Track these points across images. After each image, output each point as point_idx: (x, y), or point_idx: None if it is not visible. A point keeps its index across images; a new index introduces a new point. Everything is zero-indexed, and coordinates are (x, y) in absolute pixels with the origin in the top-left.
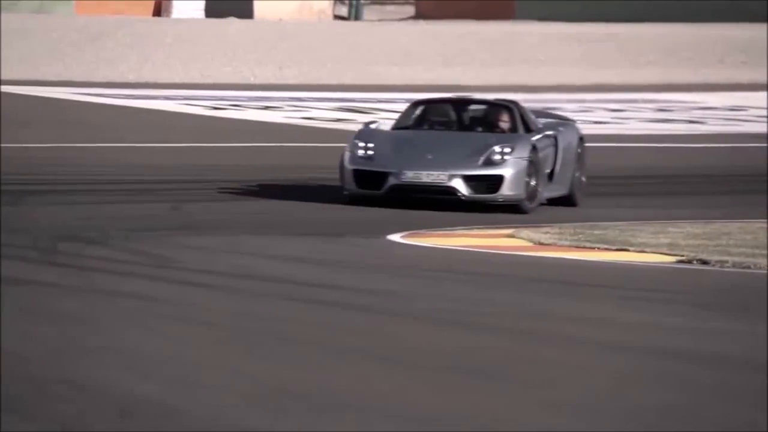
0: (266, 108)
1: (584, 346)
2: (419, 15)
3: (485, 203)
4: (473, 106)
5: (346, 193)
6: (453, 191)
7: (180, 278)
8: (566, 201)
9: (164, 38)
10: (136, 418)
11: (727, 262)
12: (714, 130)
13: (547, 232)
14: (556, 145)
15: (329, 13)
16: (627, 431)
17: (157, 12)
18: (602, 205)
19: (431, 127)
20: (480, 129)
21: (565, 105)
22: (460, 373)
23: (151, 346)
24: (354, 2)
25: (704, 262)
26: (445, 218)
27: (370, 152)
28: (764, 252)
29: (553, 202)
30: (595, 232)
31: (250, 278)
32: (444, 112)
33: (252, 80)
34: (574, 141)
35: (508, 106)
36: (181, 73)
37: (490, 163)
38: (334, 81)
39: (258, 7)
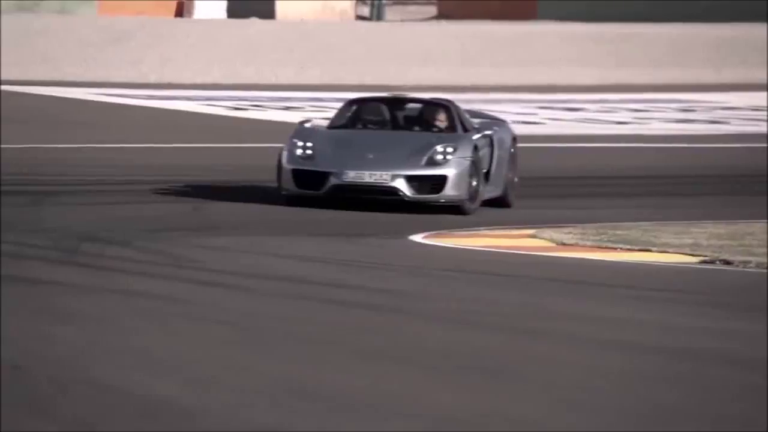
0: (287, 108)
1: (605, 346)
2: (441, 15)
3: (427, 204)
4: (409, 105)
5: (284, 193)
6: (395, 192)
7: (199, 278)
8: (499, 202)
9: (186, 39)
10: (154, 417)
11: (750, 262)
12: (737, 130)
13: (569, 233)
14: (492, 145)
15: (351, 13)
16: (641, 431)
17: (179, 12)
18: (624, 206)
19: (367, 127)
20: (417, 128)
21: (587, 105)
22: (476, 374)
23: (169, 346)
24: (376, 2)
25: (727, 263)
26: (468, 219)
27: (308, 151)
28: None
29: (485, 203)
30: (618, 232)
31: (269, 279)
32: (380, 111)
33: (274, 80)
34: (508, 141)
35: (445, 105)
36: (203, 74)
37: (432, 162)
38: (355, 81)
39: (280, 8)
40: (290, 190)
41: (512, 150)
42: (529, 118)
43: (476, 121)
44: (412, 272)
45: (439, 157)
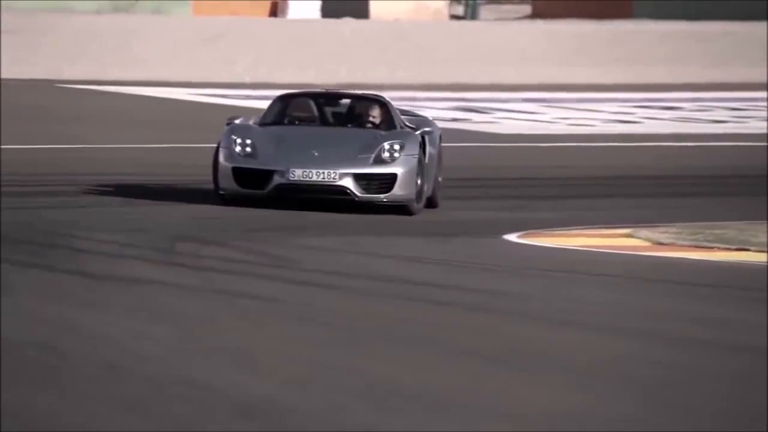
0: None
1: (706, 347)
2: (536, 14)
3: (373, 204)
4: (344, 101)
5: (221, 192)
6: (344, 191)
7: (296, 278)
8: (427, 202)
9: (280, 39)
10: (251, 417)
11: None
12: None
13: (665, 232)
14: (424, 144)
15: (445, 12)
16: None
17: (273, 12)
18: (717, 205)
19: (302, 123)
20: (353, 124)
21: (683, 104)
22: (575, 374)
23: (266, 345)
24: (470, 2)
25: None
26: (558, 218)
27: (248, 149)
28: None
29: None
30: (715, 231)
31: (367, 278)
32: (313, 107)
33: (365, 80)
34: (437, 139)
35: (381, 101)
36: (297, 74)
37: (380, 160)
38: (449, 81)
39: (374, 8)
40: (230, 189)
41: (439, 149)
42: (626, 117)
43: (404, 118)
44: (510, 272)
45: (387, 154)
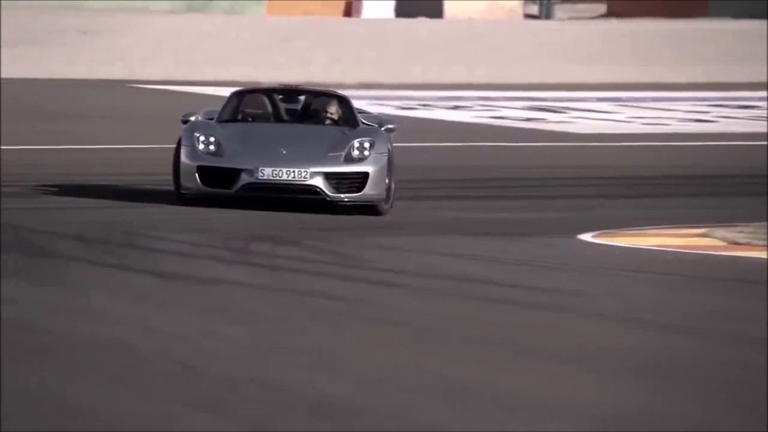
0: (456, 108)
1: None
2: (611, 13)
3: (343, 204)
4: (302, 96)
5: (184, 192)
6: (315, 191)
7: (370, 278)
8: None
9: (354, 38)
10: (326, 417)
11: None
12: None
13: (741, 231)
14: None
15: (520, 11)
16: None
17: (348, 12)
18: None
19: (263, 120)
20: (310, 121)
21: (759, 102)
22: (649, 375)
23: (340, 345)
24: (545, 1)
25: None
26: (635, 218)
27: (212, 147)
28: None
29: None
30: None
31: (440, 278)
32: (273, 103)
33: (441, 79)
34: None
35: (342, 97)
36: (371, 73)
37: (351, 159)
38: (524, 80)
39: (448, 7)
40: (193, 189)
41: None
42: (701, 116)
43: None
44: (585, 272)
45: (356, 152)
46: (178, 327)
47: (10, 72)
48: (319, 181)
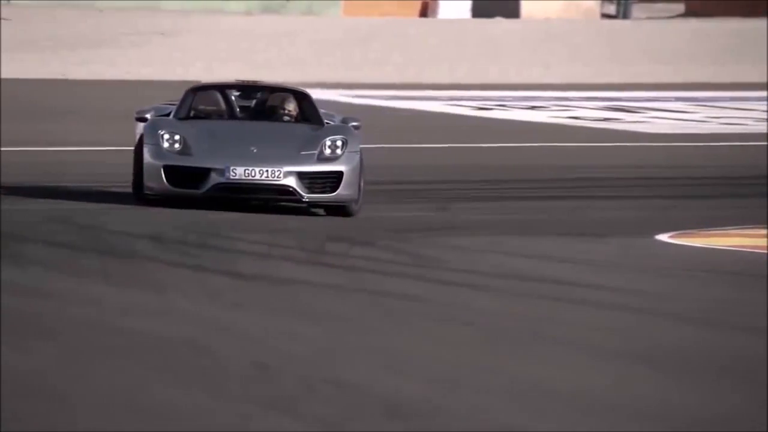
0: (532, 108)
1: None
2: (689, 13)
3: (315, 205)
4: (268, 92)
5: (147, 192)
6: (288, 191)
7: (444, 278)
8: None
9: (430, 39)
10: (399, 417)
11: None
12: None
13: None
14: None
15: (597, 11)
16: None
17: (424, 13)
18: None
19: (223, 116)
20: (272, 117)
21: None
22: (727, 377)
23: (415, 345)
24: (622, 0)
25: None
26: (713, 218)
27: (178, 145)
28: None
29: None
30: None
31: (514, 278)
32: (222, 99)
33: (518, 80)
34: None
35: (304, 93)
36: (447, 74)
37: (323, 157)
38: (601, 80)
39: (525, 7)
40: (158, 189)
41: None
42: None
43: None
44: (661, 272)
45: (328, 151)
46: (253, 327)
47: (85, 73)
48: (292, 181)
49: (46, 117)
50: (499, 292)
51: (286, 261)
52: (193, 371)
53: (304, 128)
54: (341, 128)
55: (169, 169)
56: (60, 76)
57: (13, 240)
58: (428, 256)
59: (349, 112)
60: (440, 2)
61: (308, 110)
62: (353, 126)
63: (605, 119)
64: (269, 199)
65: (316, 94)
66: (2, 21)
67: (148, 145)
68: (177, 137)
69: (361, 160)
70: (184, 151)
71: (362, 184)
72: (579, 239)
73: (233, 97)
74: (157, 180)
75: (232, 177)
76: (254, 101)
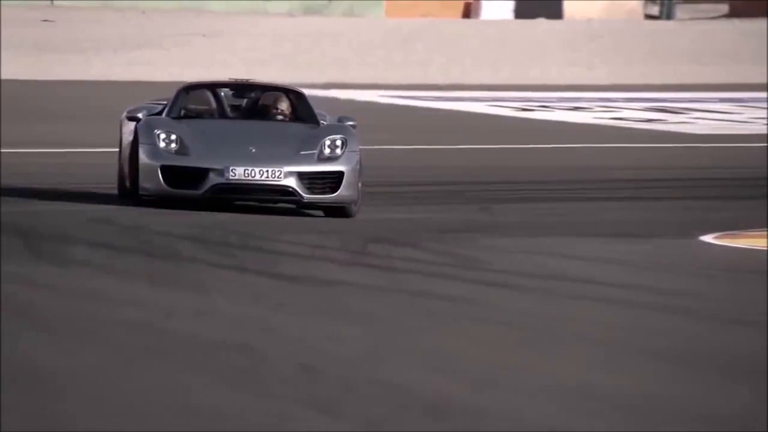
0: (575, 109)
1: None
2: (733, 13)
3: (315, 206)
4: (263, 91)
5: (143, 193)
6: (289, 191)
7: (486, 279)
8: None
9: (473, 40)
10: (442, 417)
11: None
12: None
13: None
14: None
15: (640, 12)
16: None
17: (466, 14)
18: None
19: (212, 116)
20: (268, 116)
21: None
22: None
23: (457, 346)
24: (666, 1)
25: None
26: (758, 219)
27: (174, 145)
28: None
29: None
30: None
31: (555, 279)
32: (218, 98)
33: (560, 81)
34: None
35: (299, 92)
36: (490, 75)
37: (323, 157)
38: (644, 81)
39: (567, 8)
40: (154, 190)
41: None
42: None
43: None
44: (705, 274)
45: (327, 150)
46: (297, 328)
47: (128, 74)
48: (292, 182)
49: (92, 118)
50: (541, 293)
51: (329, 262)
52: (237, 372)
53: (301, 127)
54: (340, 128)
55: (166, 170)
56: (103, 78)
57: (57, 241)
58: (470, 257)
59: (390, 113)
60: (483, 3)
61: (303, 109)
62: (350, 125)
63: (649, 120)
64: (268, 200)
65: (357, 95)
66: (47, 22)
67: (143, 144)
68: (173, 137)
69: (360, 160)
70: (181, 151)
71: (360, 184)
72: (622, 240)
73: (223, 96)
74: (154, 180)
75: (231, 177)
76: (245, 100)
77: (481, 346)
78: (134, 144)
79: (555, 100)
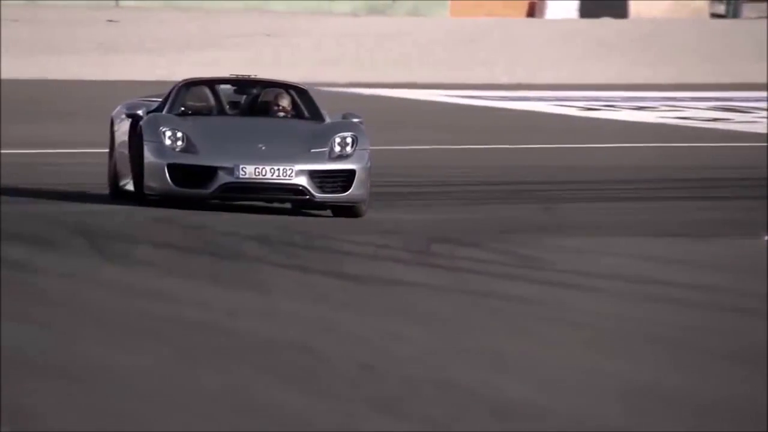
0: (640, 108)
1: None
2: None
3: (324, 206)
4: (265, 88)
5: (148, 192)
6: (300, 190)
7: (550, 279)
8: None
9: (537, 39)
10: (508, 418)
11: None
12: None
13: None
14: None
15: (706, 10)
16: None
17: (531, 13)
18: None
19: (210, 112)
20: (268, 113)
21: None
22: None
23: (521, 346)
24: (732, 0)
25: None
26: None
27: (180, 142)
28: None
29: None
30: None
31: (620, 279)
32: (221, 95)
33: (625, 80)
34: None
35: (303, 89)
36: (554, 74)
37: (334, 155)
38: (710, 80)
39: (633, 7)
40: (159, 189)
41: None
42: None
43: None
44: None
45: (338, 148)
46: (359, 328)
47: (193, 75)
48: (304, 180)
49: None
50: (605, 293)
51: (393, 262)
52: (300, 372)
53: (308, 124)
54: (349, 125)
55: (173, 168)
56: (168, 78)
57: (121, 241)
58: (534, 257)
59: (454, 113)
60: (548, 2)
61: (308, 106)
62: (356, 122)
63: (714, 119)
64: (277, 200)
65: (421, 94)
66: (111, 23)
67: (149, 142)
68: (180, 134)
69: (371, 157)
70: (188, 149)
71: (369, 183)
72: (687, 240)
73: (221, 93)
74: (160, 179)
75: (241, 176)
76: (244, 96)
77: (546, 346)
78: (138, 142)
79: (620, 99)
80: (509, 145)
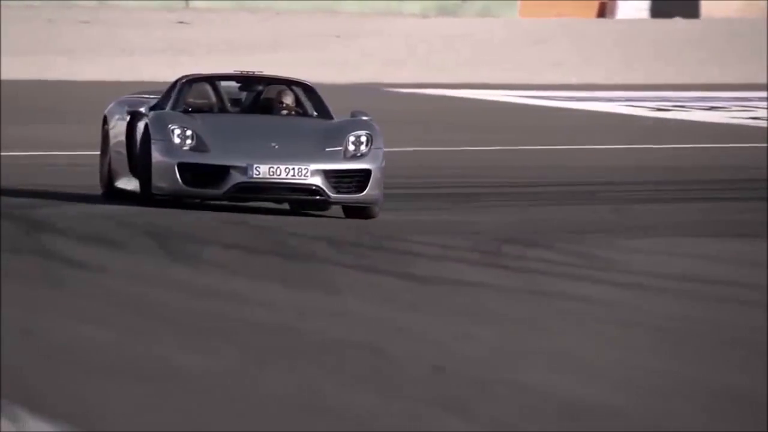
0: (711, 109)
1: None
2: None
3: (342, 205)
4: (268, 84)
5: (156, 192)
6: (315, 190)
7: (620, 280)
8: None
9: (608, 40)
10: (576, 419)
11: None
12: None
13: None
14: None
15: None
16: None
17: (601, 13)
18: None
19: (211, 109)
20: (272, 111)
21: None
22: None
23: (591, 348)
24: None
25: None
26: None
27: (190, 140)
28: None
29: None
30: None
31: (691, 281)
32: (223, 92)
33: (696, 80)
34: None
35: (309, 86)
36: (625, 75)
37: (349, 155)
38: None
39: (705, 7)
40: (168, 189)
41: None
42: None
43: None
44: None
45: (352, 147)
46: (428, 329)
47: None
48: (319, 180)
49: None
50: (675, 294)
51: (462, 263)
52: (369, 373)
53: (318, 122)
54: (363, 123)
55: (184, 168)
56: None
57: (191, 242)
58: (604, 257)
59: (525, 113)
60: (618, 2)
61: (315, 103)
62: (368, 120)
63: None
64: (292, 200)
65: (490, 95)
66: (182, 24)
67: (156, 141)
68: (189, 132)
69: (384, 156)
70: (199, 147)
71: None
72: (757, 241)
73: (223, 90)
74: (170, 179)
75: (255, 176)
76: (245, 93)
77: (616, 347)
78: (145, 140)
79: (691, 99)
80: (578, 145)
